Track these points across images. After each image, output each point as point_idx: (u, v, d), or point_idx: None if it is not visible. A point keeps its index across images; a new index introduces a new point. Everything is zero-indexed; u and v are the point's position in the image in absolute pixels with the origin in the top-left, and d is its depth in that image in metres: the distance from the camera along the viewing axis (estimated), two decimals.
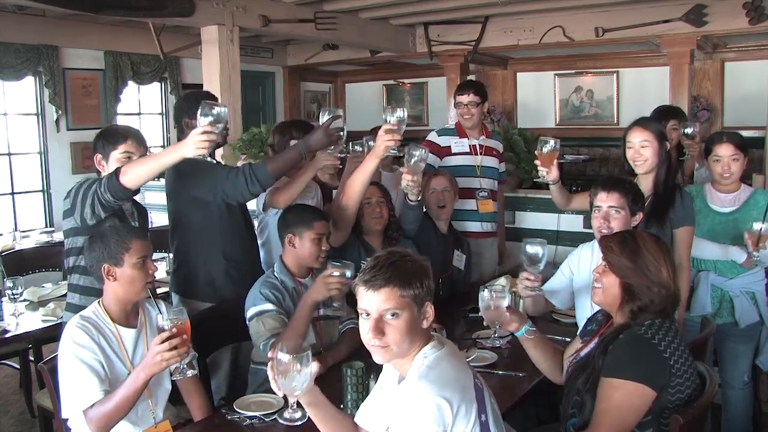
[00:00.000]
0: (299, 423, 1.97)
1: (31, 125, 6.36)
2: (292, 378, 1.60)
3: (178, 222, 2.86)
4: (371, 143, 2.69)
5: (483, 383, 1.62)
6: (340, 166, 2.91)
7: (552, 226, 4.34)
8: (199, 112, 2.19)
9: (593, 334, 2.05)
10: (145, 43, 6.09)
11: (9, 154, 6.26)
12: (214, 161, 2.90)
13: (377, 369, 2.24)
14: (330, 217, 2.76)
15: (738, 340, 2.98)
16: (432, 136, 3.79)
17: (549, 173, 2.80)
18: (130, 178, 2.29)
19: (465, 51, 6.55)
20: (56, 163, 6.43)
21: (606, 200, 2.40)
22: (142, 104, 7.38)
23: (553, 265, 2.79)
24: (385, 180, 3.92)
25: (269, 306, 2.43)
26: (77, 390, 2.01)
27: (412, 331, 1.54)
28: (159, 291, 3.59)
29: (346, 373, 2.12)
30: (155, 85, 7.39)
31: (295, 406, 1.91)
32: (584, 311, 2.49)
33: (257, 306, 2.44)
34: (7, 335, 3.11)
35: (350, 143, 2.86)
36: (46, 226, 6.27)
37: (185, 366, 2.02)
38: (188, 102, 2.86)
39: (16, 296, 3.30)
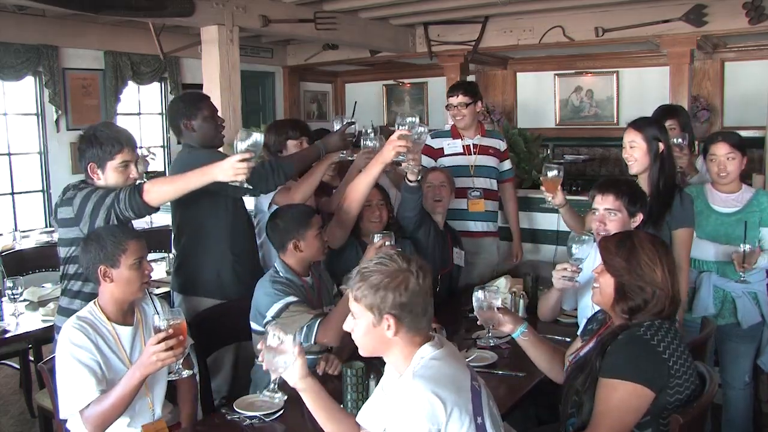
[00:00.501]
0: (276, 408, 2.04)
1: (31, 125, 6.35)
2: (276, 353, 1.72)
3: (186, 219, 2.86)
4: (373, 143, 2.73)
5: (482, 385, 1.62)
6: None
7: (552, 226, 4.34)
8: (237, 137, 2.23)
9: (593, 333, 2.05)
10: (145, 43, 6.09)
11: (9, 154, 6.25)
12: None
13: (377, 369, 2.25)
14: (323, 210, 2.82)
15: (740, 341, 2.98)
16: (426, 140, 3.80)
17: (554, 198, 2.85)
18: (154, 197, 2.31)
19: (465, 51, 6.54)
20: (56, 163, 6.42)
21: (601, 202, 2.41)
22: (142, 104, 7.37)
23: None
24: (384, 180, 3.92)
25: (291, 297, 2.43)
26: (74, 390, 2.01)
27: (371, 336, 1.61)
28: (159, 291, 3.60)
29: (346, 373, 2.13)
30: (155, 85, 7.38)
31: (275, 387, 1.87)
32: (586, 310, 2.49)
33: (280, 301, 2.42)
34: (7, 335, 3.12)
35: (360, 138, 2.92)
36: (46, 226, 6.26)
37: (180, 366, 2.03)
38: (185, 104, 2.87)
39: (16, 296, 3.30)
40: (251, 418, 2.09)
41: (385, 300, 1.56)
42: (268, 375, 2.48)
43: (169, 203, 2.95)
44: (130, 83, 6.95)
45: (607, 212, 2.40)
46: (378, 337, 1.61)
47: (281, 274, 2.54)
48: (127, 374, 2.00)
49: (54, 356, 2.23)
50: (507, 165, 3.97)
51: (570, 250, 2.41)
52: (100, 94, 6.71)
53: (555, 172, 2.81)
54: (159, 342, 1.92)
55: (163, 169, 7.22)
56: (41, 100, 6.33)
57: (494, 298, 2.20)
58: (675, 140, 3.23)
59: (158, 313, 2.26)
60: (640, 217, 2.40)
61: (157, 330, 1.95)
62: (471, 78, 7.31)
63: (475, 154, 3.74)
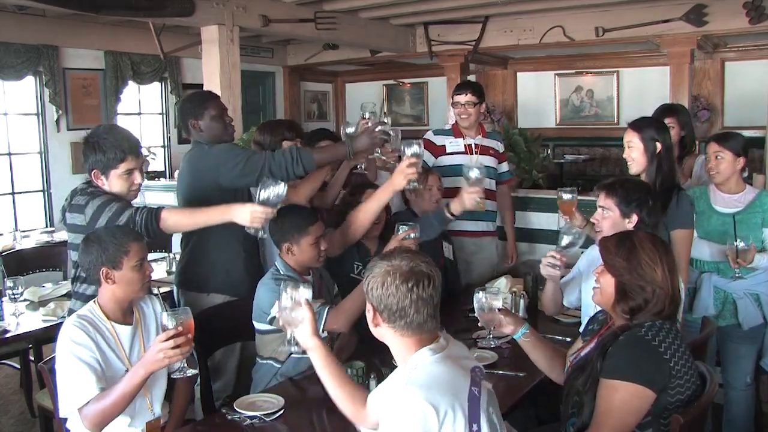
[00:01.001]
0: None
1: (32, 125, 6.36)
2: (290, 310, 1.86)
3: None
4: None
5: (483, 392, 1.58)
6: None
7: (552, 226, 4.33)
8: (260, 185, 2.23)
9: (594, 333, 2.05)
10: (145, 42, 6.10)
11: (9, 154, 6.25)
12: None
13: (377, 369, 2.25)
14: (318, 206, 2.83)
15: (741, 342, 2.98)
16: (429, 135, 3.82)
17: (573, 220, 2.79)
18: (170, 226, 2.36)
19: (465, 51, 6.54)
20: (56, 163, 6.43)
21: (598, 200, 2.43)
22: (142, 104, 7.37)
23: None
24: (381, 180, 3.93)
25: None
26: (74, 387, 2.01)
27: (369, 320, 1.65)
28: (158, 291, 3.59)
29: (346, 372, 2.12)
30: (155, 85, 7.39)
31: (293, 341, 1.94)
32: (589, 309, 2.49)
33: None
34: (8, 335, 3.11)
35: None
36: (47, 226, 6.27)
37: (185, 365, 2.03)
38: (192, 104, 2.87)
39: (16, 296, 3.30)
40: (251, 418, 2.08)
41: (371, 290, 1.60)
42: (269, 375, 2.51)
43: (175, 199, 3.00)
44: (131, 83, 6.95)
45: (601, 209, 2.42)
46: (371, 323, 1.65)
47: (282, 273, 2.54)
48: (131, 371, 2.00)
49: (54, 356, 2.23)
50: (505, 167, 3.98)
51: (559, 239, 2.43)
52: (101, 94, 6.71)
53: (570, 196, 2.79)
54: (168, 339, 1.92)
55: (163, 169, 7.23)
56: (41, 100, 6.33)
57: (495, 299, 2.19)
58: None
59: (156, 313, 2.27)
60: (635, 218, 2.38)
61: (165, 327, 1.95)
62: (471, 78, 7.31)
63: (476, 153, 3.74)
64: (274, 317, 2.41)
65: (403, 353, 1.61)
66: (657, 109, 3.52)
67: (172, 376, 2.19)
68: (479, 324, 2.30)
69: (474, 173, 2.79)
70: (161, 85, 7.44)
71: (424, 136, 3.81)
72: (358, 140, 2.69)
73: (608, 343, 1.84)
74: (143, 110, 7.40)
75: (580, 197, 2.83)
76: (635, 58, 7.79)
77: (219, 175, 2.69)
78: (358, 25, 5.96)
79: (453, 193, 3.53)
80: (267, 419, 2.08)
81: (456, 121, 3.81)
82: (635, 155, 2.69)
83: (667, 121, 3.42)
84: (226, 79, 4.65)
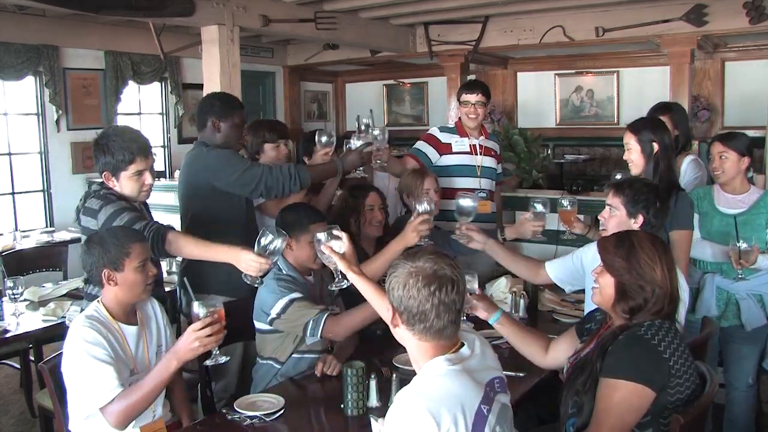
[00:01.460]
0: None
1: (32, 125, 6.35)
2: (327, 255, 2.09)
3: (198, 216, 2.86)
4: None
5: (492, 410, 1.55)
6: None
7: (552, 226, 4.33)
8: (261, 233, 2.23)
9: (593, 333, 2.05)
10: (146, 43, 6.09)
11: (9, 154, 6.25)
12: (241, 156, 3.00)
13: (377, 369, 2.25)
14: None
15: (743, 343, 2.97)
16: (434, 131, 3.77)
17: (574, 228, 2.92)
18: (174, 249, 2.40)
19: (465, 51, 6.54)
20: (56, 163, 6.42)
21: (606, 198, 2.44)
22: (142, 104, 7.37)
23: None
24: (378, 180, 3.93)
25: (296, 294, 2.44)
26: (95, 387, 1.99)
27: (388, 318, 1.64)
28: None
29: (346, 373, 2.13)
30: (155, 85, 7.38)
31: (339, 276, 2.16)
32: (590, 307, 2.49)
33: (284, 297, 2.43)
34: (8, 335, 3.11)
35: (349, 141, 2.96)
36: (47, 226, 6.27)
37: (218, 351, 2.04)
38: (221, 103, 2.91)
39: (16, 296, 3.30)
40: (251, 418, 2.08)
41: (392, 290, 1.57)
42: (269, 375, 2.52)
43: (176, 199, 3.04)
44: (131, 83, 6.95)
45: (608, 208, 2.42)
46: (390, 323, 1.62)
47: (284, 272, 2.54)
48: (162, 363, 2.01)
49: (55, 356, 2.23)
50: (500, 168, 4.00)
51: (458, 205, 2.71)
52: (101, 94, 6.71)
53: (569, 205, 2.89)
54: (203, 327, 1.95)
55: (163, 169, 7.22)
56: (42, 100, 6.33)
57: (470, 283, 2.13)
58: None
59: (155, 313, 2.29)
60: (641, 218, 2.39)
61: (197, 317, 1.97)
62: (471, 77, 7.31)
63: (481, 154, 3.74)
64: (275, 317, 2.43)
65: (420, 358, 1.59)
66: (651, 108, 3.53)
67: (204, 363, 2.21)
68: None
69: (540, 207, 2.92)
70: (161, 85, 7.44)
71: (429, 132, 3.79)
72: (348, 159, 2.88)
73: (608, 342, 1.84)
74: (143, 110, 7.39)
75: (580, 197, 2.84)
76: (635, 58, 7.79)
77: (215, 178, 2.73)
78: (358, 25, 5.96)
79: (453, 193, 3.53)
80: (267, 419, 2.08)
81: (460, 120, 3.79)
82: (634, 157, 2.72)
83: (661, 119, 3.43)
84: (226, 79, 4.64)
